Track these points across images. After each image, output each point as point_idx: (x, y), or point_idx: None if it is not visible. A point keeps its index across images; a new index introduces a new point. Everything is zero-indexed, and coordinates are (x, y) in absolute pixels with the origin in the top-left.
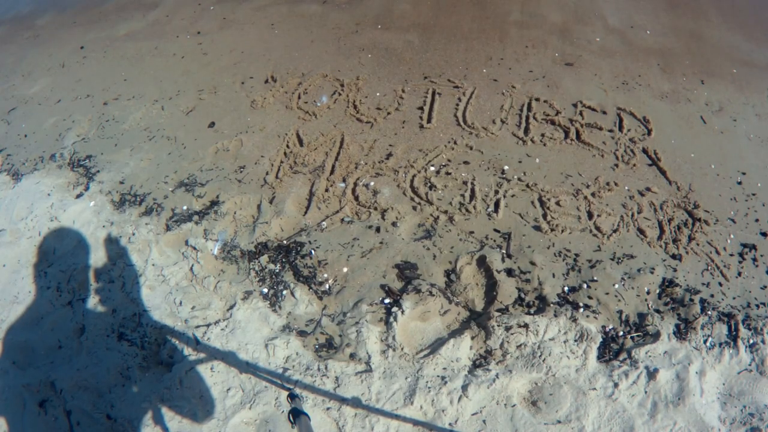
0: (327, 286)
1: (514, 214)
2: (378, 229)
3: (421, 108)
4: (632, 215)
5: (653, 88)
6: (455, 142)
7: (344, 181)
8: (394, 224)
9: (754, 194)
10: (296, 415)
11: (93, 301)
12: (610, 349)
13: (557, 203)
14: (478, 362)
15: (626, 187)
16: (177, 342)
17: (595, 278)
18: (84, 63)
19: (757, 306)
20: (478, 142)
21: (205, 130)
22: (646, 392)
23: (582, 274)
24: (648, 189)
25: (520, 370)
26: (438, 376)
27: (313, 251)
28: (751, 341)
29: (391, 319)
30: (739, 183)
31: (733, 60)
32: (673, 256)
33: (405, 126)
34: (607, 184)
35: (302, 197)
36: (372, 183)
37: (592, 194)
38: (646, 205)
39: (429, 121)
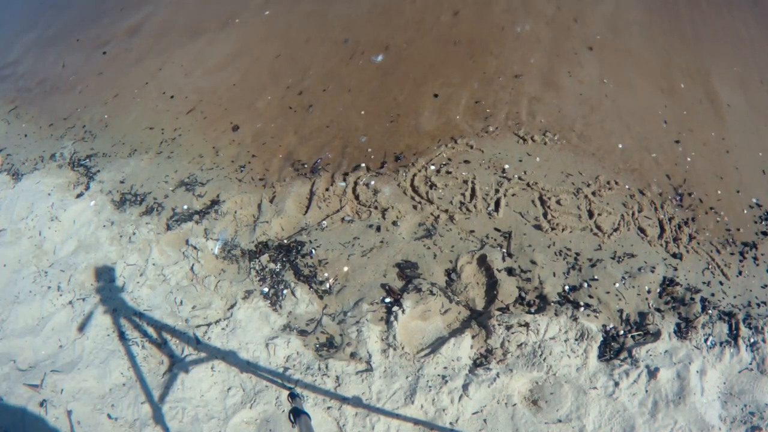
0: (327, 286)
1: (514, 213)
2: (378, 228)
3: None
4: (633, 214)
5: None
6: (456, 141)
7: (345, 180)
8: (394, 223)
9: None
10: (297, 414)
11: (93, 301)
12: (611, 348)
13: (558, 202)
14: (478, 361)
15: (627, 186)
16: (177, 341)
17: (596, 277)
18: None
19: (758, 305)
20: (479, 141)
21: None
22: (646, 391)
23: (582, 273)
24: (649, 187)
25: (521, 369)
26: (439, 375)
27: (313, 250)
28: (752, 340)
29: (392, 319)
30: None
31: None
32: (674, 255)
33: None
34: (608, 182)
35: (303, 196)
36: (372, 182)
37: (593, 193)
38: (647, 204)
39: None
